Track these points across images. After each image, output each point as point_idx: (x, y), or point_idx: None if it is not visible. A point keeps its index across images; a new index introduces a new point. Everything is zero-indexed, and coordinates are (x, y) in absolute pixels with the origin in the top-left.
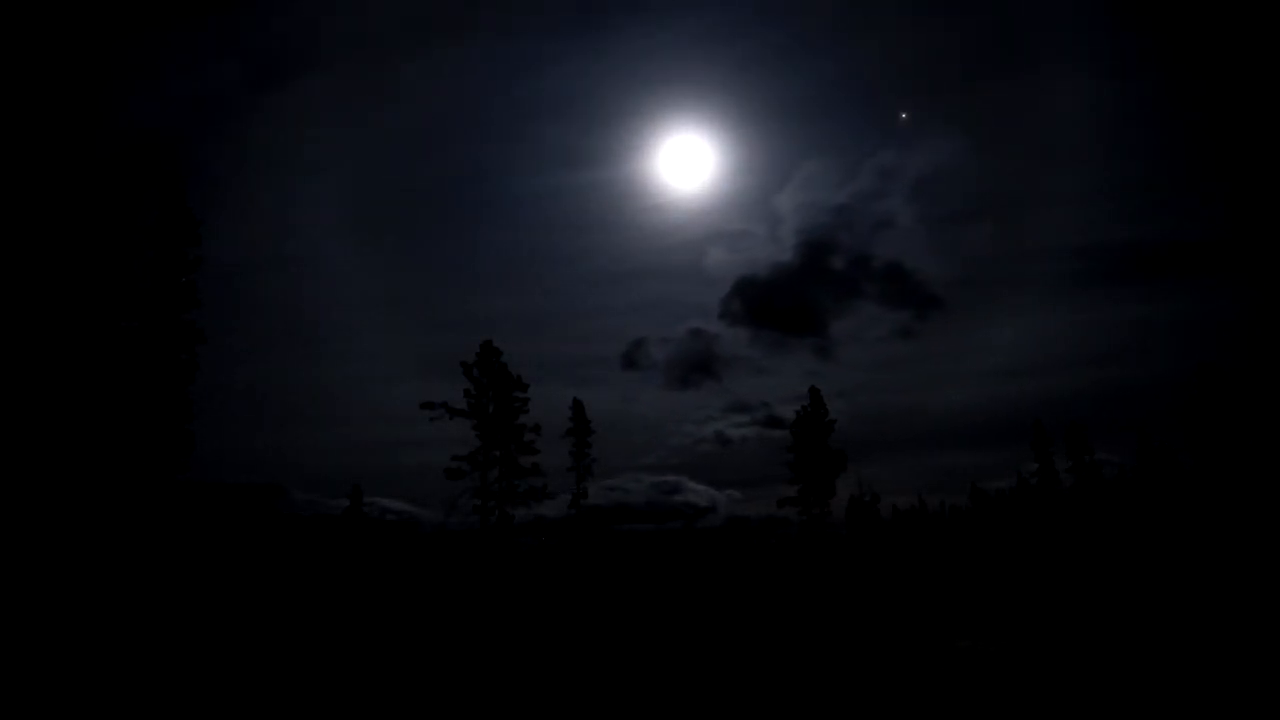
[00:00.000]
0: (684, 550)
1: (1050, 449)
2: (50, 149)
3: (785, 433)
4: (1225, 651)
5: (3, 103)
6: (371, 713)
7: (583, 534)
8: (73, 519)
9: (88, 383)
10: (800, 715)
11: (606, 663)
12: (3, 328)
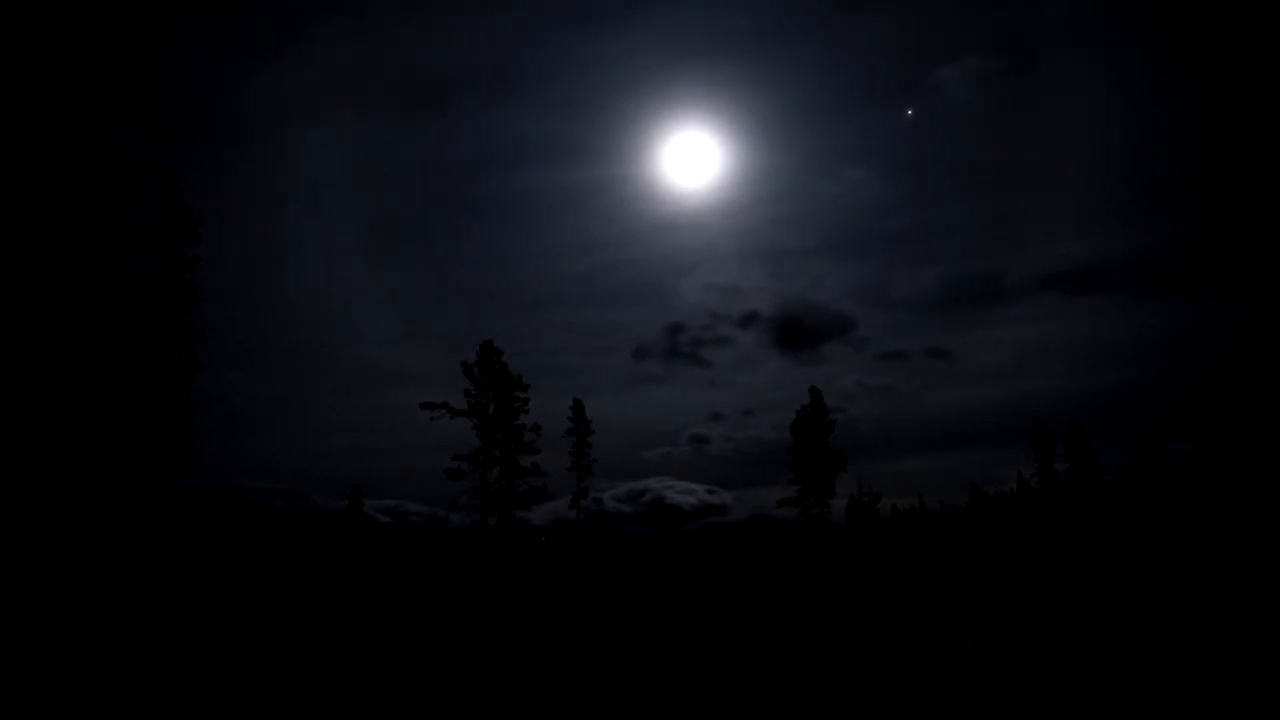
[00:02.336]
0: (682, 551)
1: (1050, 450)
2: (49, 151)
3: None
4: (1224, 651)
5: (3, 106)
6: (373, 710)
7: (581, 535)
8: (73, 518)
9: (88, 383)
10: (801, 714)
11: (608, 662)
12: (3, 328)
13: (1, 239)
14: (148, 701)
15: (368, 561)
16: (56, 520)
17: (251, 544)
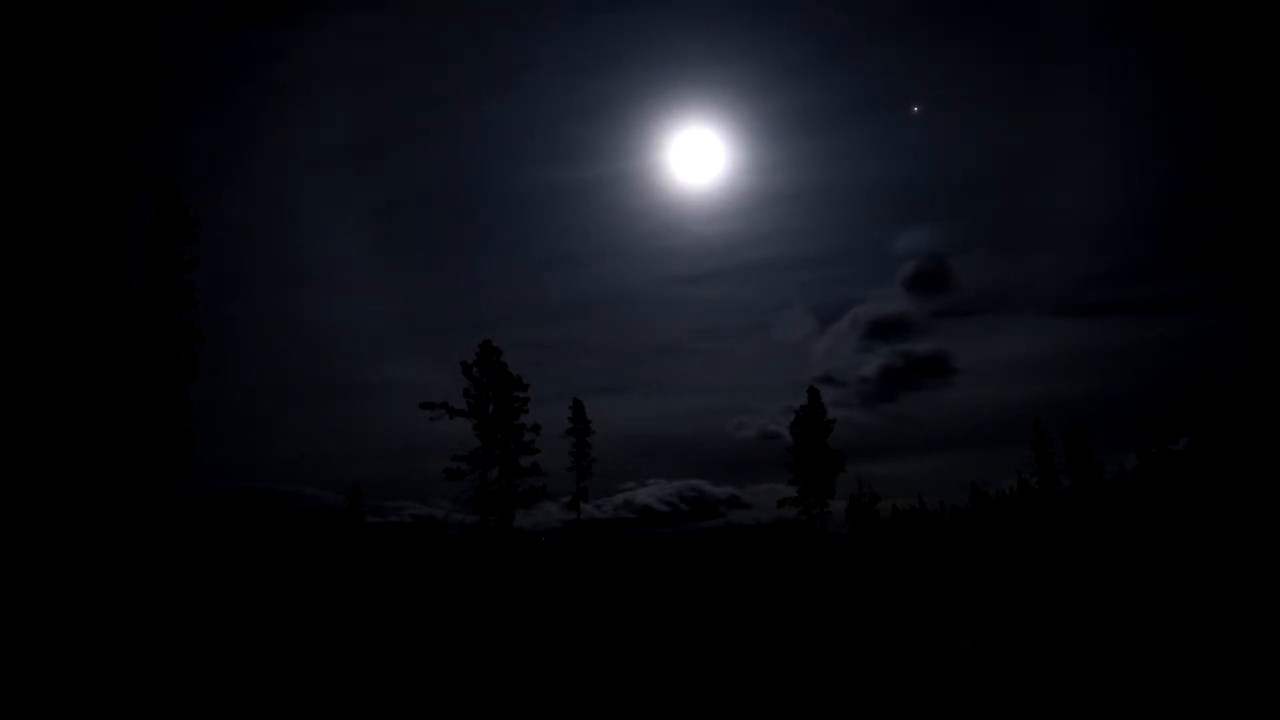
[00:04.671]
0: (682, 551)
1: (1050, 450)
2: (47, 150)
3: None
4: (1225, 650)
5: (2, 104)
6: (373, 710)
7: (581, 536)
8: (73, 519)
9: (86, 383)
10: (801, 713)
11: (608, 663)
12: (2, 328)
13: (2, 240)
14: (147, 702)
15: (368, 562)
16: (56, 521)
17: (251, 545)
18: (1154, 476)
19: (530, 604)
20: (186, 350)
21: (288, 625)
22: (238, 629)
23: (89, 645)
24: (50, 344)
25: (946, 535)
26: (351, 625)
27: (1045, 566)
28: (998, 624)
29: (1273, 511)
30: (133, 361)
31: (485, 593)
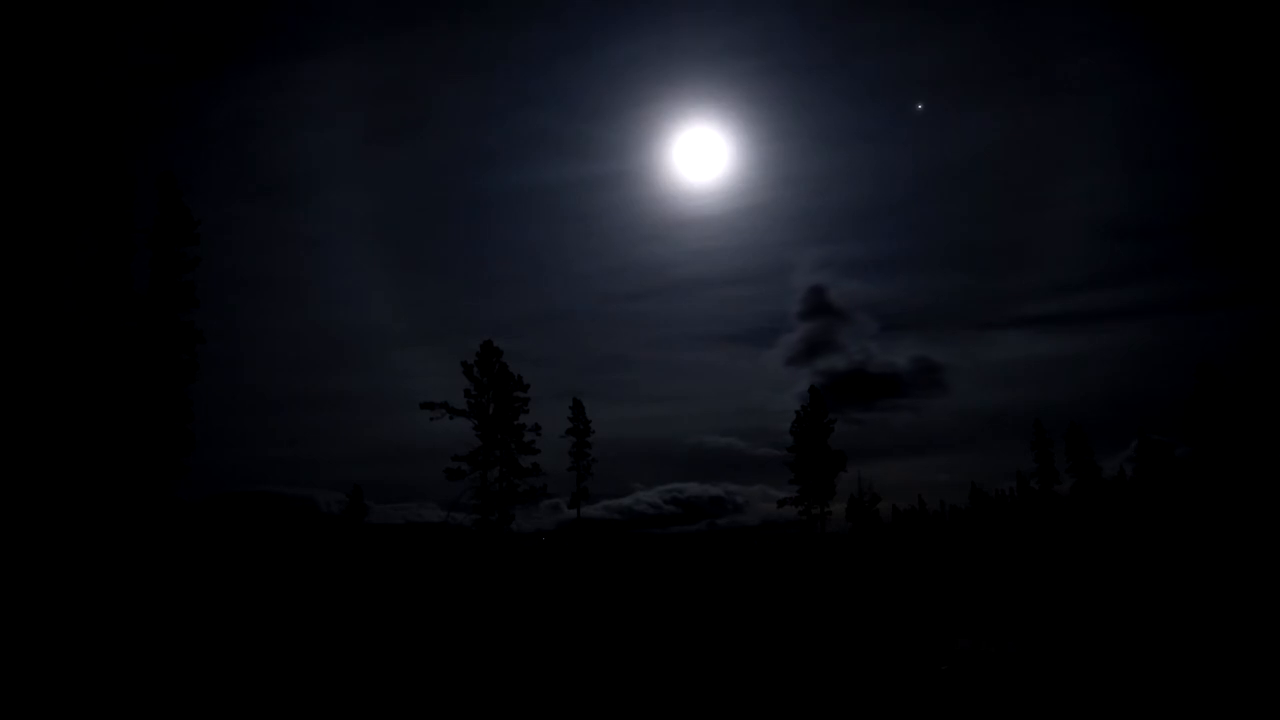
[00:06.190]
0: (681, 550)
1: (1050, 450)
2: (50, 150)
3: None
4: (1225, 651)
5: (5, 105)
6: (370, 710)
7: (581, 536)
8: (72, 520)
9: (87, 383)
10: (800, 714)
11: (605, 664)
12: (3, 327)
13: (3, 240)
14: (148, 702)
15: (368, 563)
16: (56, 521)
17: (251, 547)
18: (1154, 476)
19: (538, 604)
20: (187, 351)
21: (287, 626)
22: (237, 630)
23: (89, 647)
24: (51, 343)
25: (947, 535)
26: (351, 626)
27: (1046, 566)
28: (998, 624)
29: (1273, 511)
30: (134, 362)
31: (490, 594)
